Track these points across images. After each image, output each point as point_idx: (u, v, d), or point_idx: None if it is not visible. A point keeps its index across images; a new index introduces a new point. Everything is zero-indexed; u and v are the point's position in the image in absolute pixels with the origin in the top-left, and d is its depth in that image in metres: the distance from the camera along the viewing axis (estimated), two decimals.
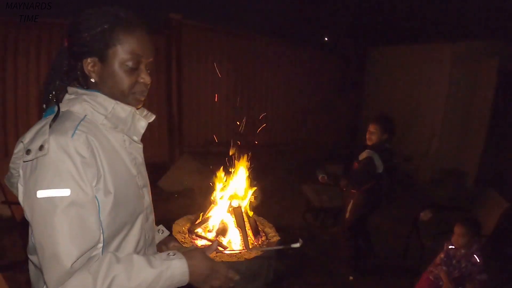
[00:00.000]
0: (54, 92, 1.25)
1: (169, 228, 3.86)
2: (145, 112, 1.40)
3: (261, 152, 7.34)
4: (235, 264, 3.30)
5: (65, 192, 1.06)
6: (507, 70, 6.35)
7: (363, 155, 3.77)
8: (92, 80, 1.23)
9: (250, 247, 3.43)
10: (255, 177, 4.10)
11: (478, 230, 2.99)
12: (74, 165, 1.08)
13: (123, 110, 1.25)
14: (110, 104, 1.22)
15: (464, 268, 2.94)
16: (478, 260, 2.86)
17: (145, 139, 1.36)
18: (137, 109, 1.34)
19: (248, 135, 7.70)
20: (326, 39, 9.30)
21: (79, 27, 1.19)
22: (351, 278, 3.87)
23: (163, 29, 6.50)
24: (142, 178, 1.38)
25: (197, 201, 4.20)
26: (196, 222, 3.88)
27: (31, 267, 1.27)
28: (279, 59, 8.00)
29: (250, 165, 3.98)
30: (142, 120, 1.34)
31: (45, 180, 1.06)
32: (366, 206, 3.88)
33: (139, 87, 1.28)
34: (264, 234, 3.91)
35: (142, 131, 1.35)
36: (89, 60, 1.21)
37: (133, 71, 1.24)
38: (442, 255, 3.06)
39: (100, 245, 1.17)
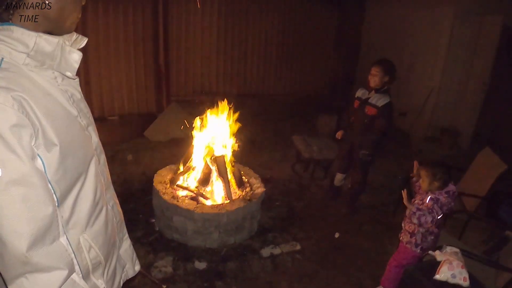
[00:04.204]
0: None
1: (151, 178, 3.72)
2: (75, 36, 1.15)
3: (253, 102, 7.16)
4: (217, 216, 3.15)
5: None
6: (511, 29, 6.05)
7: (380, 100, 3.71)
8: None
9: (233, 197, 3.27)
10: (244, 127, 3.91)
11: (440, 174, 2.55)
12: None
13: (48, 43, 1.01)
14: (31, 38, 0.97)
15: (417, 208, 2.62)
16: (428, 203, 2.53)
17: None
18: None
19: (238, 84, 7.52)
20: None
21: None
22: (337, 235, 3.77)
23: None
24: (84, 116, 1.18)
25: (183, 151, 4.01)
26: (178, 172, 3.72)
27: None
28: (273, 8, 7.56)
29: (238, 114, 3.79)
30: (74, 52, 1.09)
31: None
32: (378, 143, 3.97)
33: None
34: (248, 185, 3.77)
35: (76, 65, 1.11)
36: None
37: None
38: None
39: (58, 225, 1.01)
